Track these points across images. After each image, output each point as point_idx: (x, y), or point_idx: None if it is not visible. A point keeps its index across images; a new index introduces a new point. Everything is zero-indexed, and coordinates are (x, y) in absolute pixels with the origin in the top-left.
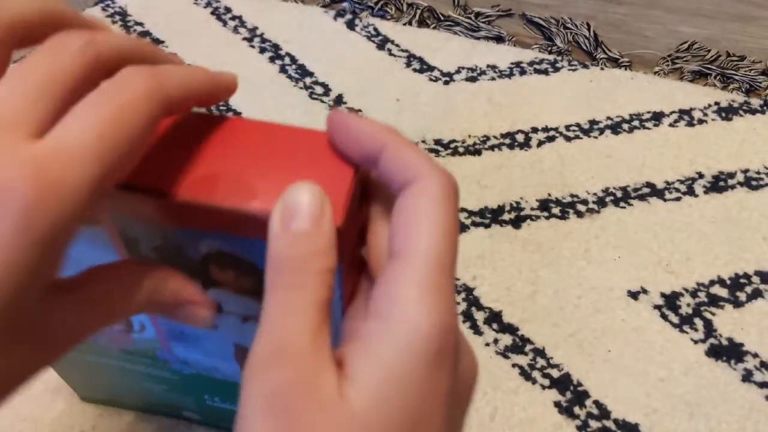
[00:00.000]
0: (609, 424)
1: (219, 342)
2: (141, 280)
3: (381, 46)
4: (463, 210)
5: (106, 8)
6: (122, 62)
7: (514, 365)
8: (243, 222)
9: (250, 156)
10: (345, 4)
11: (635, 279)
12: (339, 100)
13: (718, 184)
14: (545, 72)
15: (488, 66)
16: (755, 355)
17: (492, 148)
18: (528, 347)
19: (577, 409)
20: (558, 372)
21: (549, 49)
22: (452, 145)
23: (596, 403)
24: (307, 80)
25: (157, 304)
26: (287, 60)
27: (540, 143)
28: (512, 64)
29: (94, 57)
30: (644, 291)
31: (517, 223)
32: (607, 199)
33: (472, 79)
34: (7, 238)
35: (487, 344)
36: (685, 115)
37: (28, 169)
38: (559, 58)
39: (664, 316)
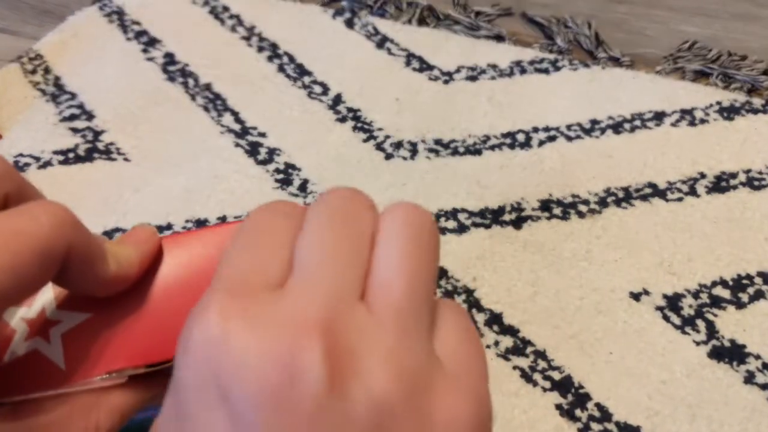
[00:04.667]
0: (611, 426)
1: None
2: (90, 409)
3: (380, 45)
4: (464, 210)
5: (104, 7)
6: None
7: (515, 367)
8: None
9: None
10: (344, 3)
11: (637, 280)
12: (338, 100)
13: (720, 184)
14: (546, 71)
15: (488, 65)
16: (757, 357)
17: (492, 147)
18: (529, 349)
19: (578, 412)
20: (559, 374)
21: (550, 48)
22: (452, 145)
23: (598, 405)
24: (306, 79)
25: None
26: (285, 59)
27: (541, 143)
28: (513, 63)
29: None
30: (646, 292)
31: (517, 223)
32: (609, 199)
33: (473, 79)
34: None
35: (488, 346)
36: (687, 115)
37: None
38: (560, 57)
39: (666, 318)
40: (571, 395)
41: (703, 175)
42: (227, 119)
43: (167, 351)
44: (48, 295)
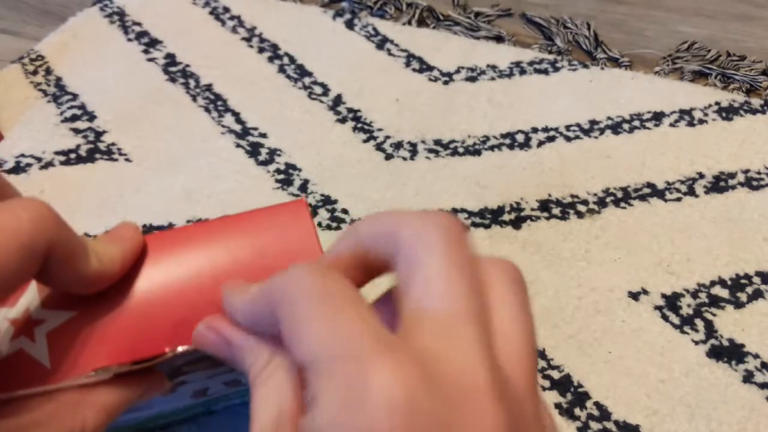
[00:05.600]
0: (609, 425)
1: (174, 398)
2: (76, 407)
3: (380, 46)
4: (463, 210)
5: (104, 8)
6: None
7: None
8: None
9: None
10: (344, 4)
11: (636, 280)
12: (338, 100)
13: (719, 184)
14: (545, 72)
15: (488, 66)
16: (756, 356)
17: (492, 148)
18: None
19: (577, 411)
20: (558, 373)
21: (549, 48)
22: (452, 145)
23: (597, 404)
24: (306, 80)
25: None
26: (286, 60)
27: (540, 143)
28: (512, 63)
29: None
30: (645, 292)
31: (517, 223)
32: (608, 199)
33: (472, 79)
34: None
35: None
36: (686, 115)
37: None
38: (559, 57)
39: (664, 317)
40: (570, 394)
41: (701, 176)
42: (228, 120)
43: (153, 348)
44: (32, 294)
